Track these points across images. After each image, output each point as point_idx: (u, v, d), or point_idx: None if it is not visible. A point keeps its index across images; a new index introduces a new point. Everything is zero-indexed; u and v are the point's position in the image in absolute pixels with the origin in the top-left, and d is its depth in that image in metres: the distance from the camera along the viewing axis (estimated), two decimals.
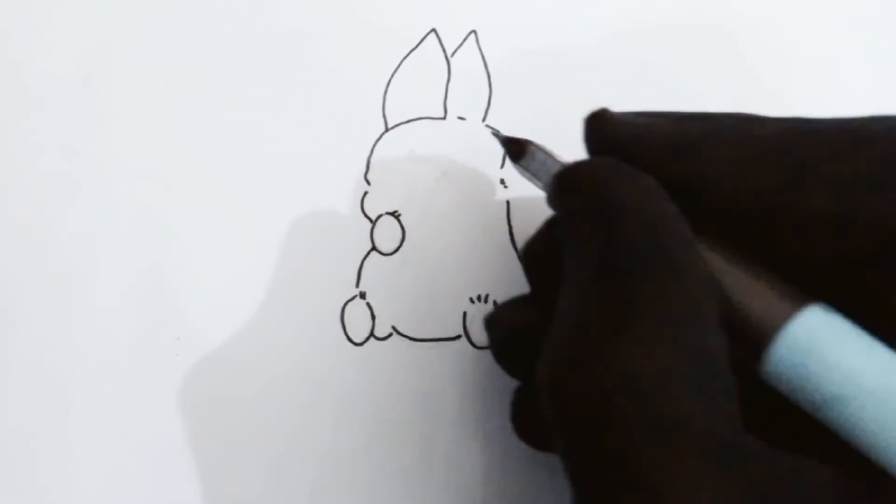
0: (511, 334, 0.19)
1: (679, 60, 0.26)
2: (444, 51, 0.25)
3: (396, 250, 0.24)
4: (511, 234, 0.24)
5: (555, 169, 0.18)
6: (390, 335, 0.24)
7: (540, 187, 0.19)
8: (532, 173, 0.19)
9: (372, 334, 0.24)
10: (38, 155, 0.25)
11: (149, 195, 0.24)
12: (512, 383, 0.23)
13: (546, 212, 0.24)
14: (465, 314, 0.24)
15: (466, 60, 0.25)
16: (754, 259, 0.15)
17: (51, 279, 0.24)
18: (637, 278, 0.14)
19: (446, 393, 0.23)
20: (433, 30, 0.25)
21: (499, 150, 0.25)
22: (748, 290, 0.15)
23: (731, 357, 0.14)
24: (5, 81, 0.25)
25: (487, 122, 0.25)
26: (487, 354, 0.23)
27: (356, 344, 0.24)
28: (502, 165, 0.25)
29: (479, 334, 0.23)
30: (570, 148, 0.25)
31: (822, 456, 0.13)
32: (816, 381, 0.13)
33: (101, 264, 0.24)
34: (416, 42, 0.25)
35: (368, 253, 0.24)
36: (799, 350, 0.14)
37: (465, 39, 0.25)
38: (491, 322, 0.20)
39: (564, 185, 0.16)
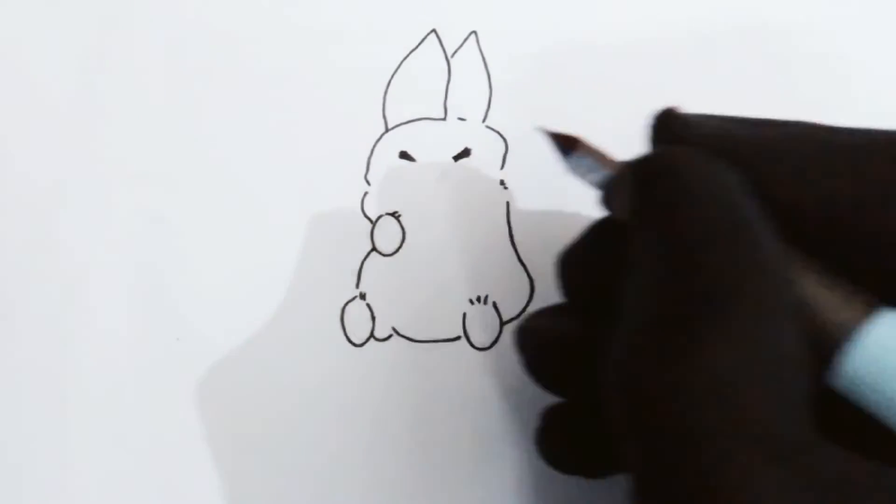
0: (550, 344, 0.18)
1: (682, 61, 0.26)
2: (444, 51, 0.25)
3: (396, 251, 0.24)
4: (511, 234, 0.24)
5: (606, 165, 0.18)
6: (390, 336, 0.24)
7: (591, 184, 0.18)
8: (583, 171, 0.19)
9: (372, 335, 0.24)
10: (38, 154, 0.25)
11: (149, 196, 0.24)
12: (512, 386, 0.23)
13: (547, 212, 0.24)
14: (464, 315, 0.24)
15: (467, 61, 0.25)
16: (825, 266, 0.15)
17: (50, 279, 0.24)
18: (717, 275, 0.13)
19: (446, 394, 0.23)
20: (433, 30, 0.25)
21: (499, 150, 0.25)
22: (819, 295, 0.14)
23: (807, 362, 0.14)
24: (5, 81, 0.25)
25: (487, 122, 0.25)
26: (487, 355, 0.23)
27: (356, 345, 0.24)
28: (502, 166, 0.25)
29: (479, 335, 0.23)
30: None
31: None
32: (891, 389, 0.13)
33: (100, 264, 0.24)
34: (417, 43, 0.25)
35: (368, 254, 0.24)
36: (871, 357, 0.13)
37: (465, 40, 0.25)
38: (524, 333, 0.19)
39: (642, 174, 0.15)
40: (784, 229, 0.14)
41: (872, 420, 0.14)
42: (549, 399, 0.19)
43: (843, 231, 0.14)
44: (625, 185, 0.16)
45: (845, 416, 0.14)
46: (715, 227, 0.14)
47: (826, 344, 0.14)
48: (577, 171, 0.19)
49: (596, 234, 0.18)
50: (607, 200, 0.18)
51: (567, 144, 0.19)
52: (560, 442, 0.19)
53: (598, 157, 0.18)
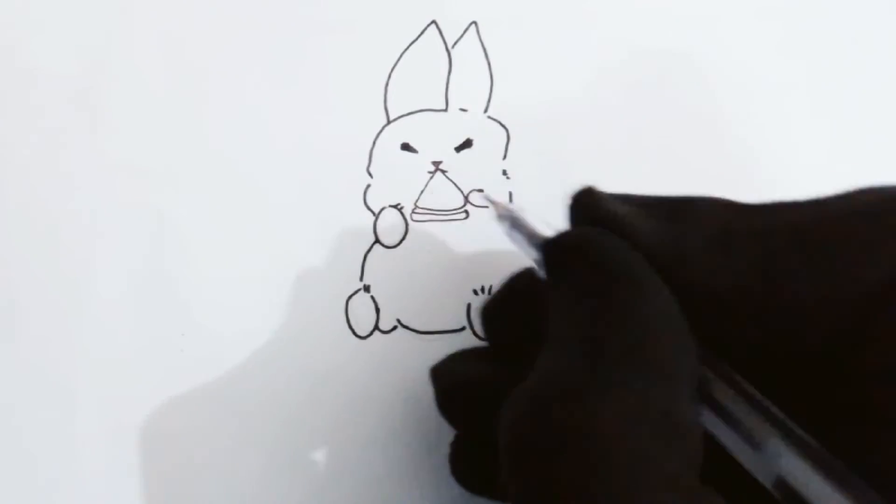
0: (458, 386, 0.20)
1: (682, 48, 0.26)
2: (444, 42, 0.25)
3: (399, 243, 0.24)
4: None
5: (535, 237, 0.19)
6: (395, 328, 0.24)
7: (525, 250, 0.19)
8: (519, 237, 0.20)
9: (376, 327, 0.24)
10: (39, 153, 0.25)
11: (151, 191, 0.24)
12: None
13: (549, 202, 0.24)
14: (468, 306, 0.24)
15: (467, 52, 0.25)
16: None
17: (54, 276, 0.24)
18: (619, 341, 0.14)
19: None
20: (433, 21, 0.25)
21: (501, 140, 0.25)
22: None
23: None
24: (5, 80, 0.25)
25: (489, 113, 0.25)
26: None
27: (361, 337, 0.24)
28: (504, 156, 0.25)
29: None
30: (572, 138, 0.25)
31: None
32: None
33: (104, 261, 0.24)
34: (417, 34, 0.25)
35: (372, 246, 0.24)
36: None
37: (465, 31, 0.25)
38: (437, 372, 0.21)
39: (561, 250, 0.17)
40: (691, 311, 0.15)
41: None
42: None
43: (747, 310, 0.15)
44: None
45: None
46: (625, 301, 0.15)
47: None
48: (513, 235, 0.20)
49: (510, 291, 0.20)
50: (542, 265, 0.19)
51: (503, 212, 0.20)
52: (463, 468, 0.21)
53: (528, 232, 0.19)
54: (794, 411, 0.14)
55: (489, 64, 0.25)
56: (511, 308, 0.20)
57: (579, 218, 0.18)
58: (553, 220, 0.22)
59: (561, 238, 0.17)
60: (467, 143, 0.25)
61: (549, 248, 0.17)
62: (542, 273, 0.18)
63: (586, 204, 0.17)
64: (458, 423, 0.21)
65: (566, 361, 0.14)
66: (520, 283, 0.20)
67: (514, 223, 0.20)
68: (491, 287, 0.24)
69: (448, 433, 0.23)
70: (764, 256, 0.15)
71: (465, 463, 0.21)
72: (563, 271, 0.16)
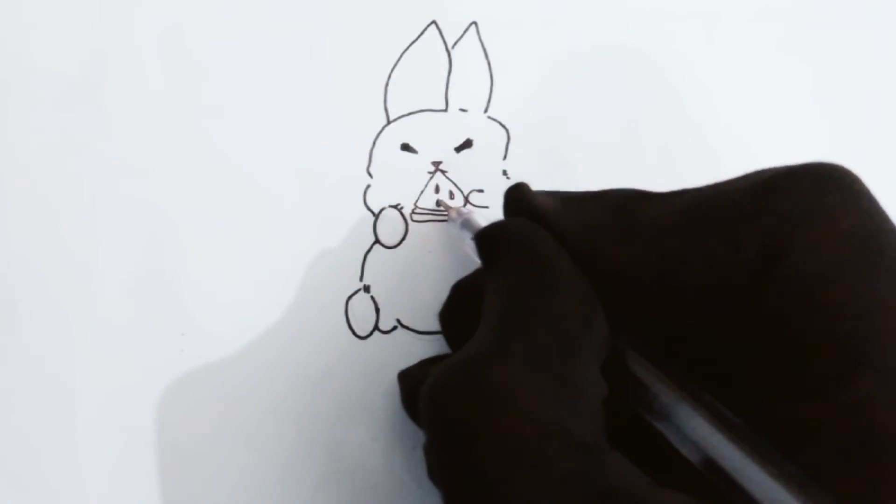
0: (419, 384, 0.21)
1: (683, 47, 0.26)
2: (444, 43, 0.25)
3: (400, 243, 0.24)
4: None
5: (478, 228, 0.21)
6: (395, 328, 0.24)
7: (467, 244, 0.21)
8: (460, 231, 0.22)
9: (376, 327, 0.24)
10: (40, 152, 0.25)
11: (151, 190, 0.24)
12: None
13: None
14: None
15: (467, 52, 0.25)
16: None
17: (54, 276, 0.24)
18: (522, 315, 0.15)
19: None
20: (433, 22, 0.25)
21: (501, 141, 0.25)
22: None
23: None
24: (5, 80, 0.25)
25: (489, 113, 0.25)
26: None
27: (361, 337, 0.24)
28: (505, 157, 0.25)
29: None
30: (572, 136, 0.25)
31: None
32: None
33: (104, 260, 0.24)
34: (417, 34, 0.25)
35: (372, 246, 0.24)
36: None
37: (465, 31, 0.25)
38: (402, 375, 0.22)
39: (492, 237, 0.18)
40: (603, 289, 0.17)
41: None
42: None
43: (654, 290, 0.16)
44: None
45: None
46: (530, 283, 0.16)
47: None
48: (454, 230, 0.23)
49: (458, 294, 0.22)
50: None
51: (447, 210, 0.23)
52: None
53: (475, 220, 0.22)
54: (717, 388, 0.15)
55: (489, 64, 0.25)
56: (461, 309, 0.21)
57: (509, 210, 0.20)
58: None
59: (486, 228, 0.19)
60: (467, 144, 0.25)
61: (478, 239, 0.19)
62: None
63: (515, 198, 0.19)
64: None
65: (480, 338, 0.16)
66: (466, 284, 0.22)
67: (465, 224, 0.22)
68: None
69: None
70: (654, 241, 0.16)
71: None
72: (489, 257, 0.18)
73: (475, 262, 0.20)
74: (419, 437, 0.23)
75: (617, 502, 0.13)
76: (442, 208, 0.24)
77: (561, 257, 0.17)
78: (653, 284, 0.16)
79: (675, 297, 0.16)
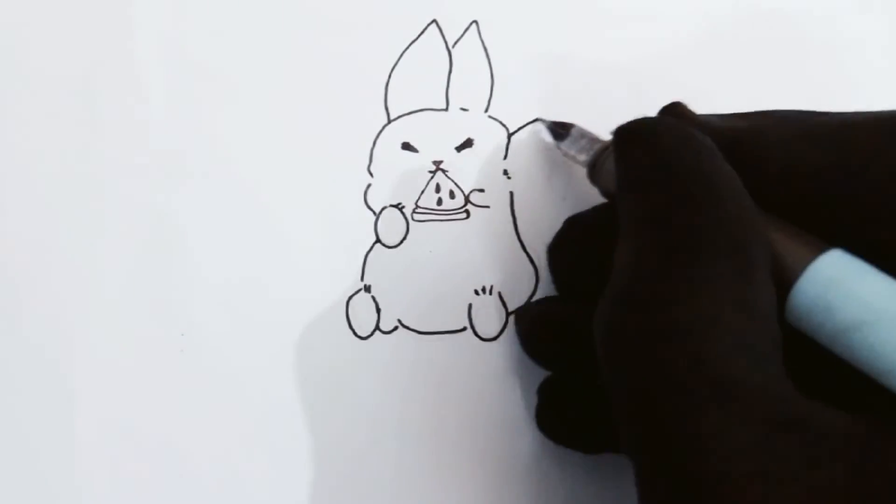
0: (542, 323, 0.20)
1: (684, 47, 0.26)
2: (445, 42, 0.25)
3: (400, 243, 0.24)
4: (515, 224, 0.24)
5: (597, 145, 0.20)
6: (396, 328, 0.24)
7: (581, 163, 0.21)
8: (575, 152, 0.21)
9: (377, 328, 0.24)
10: (40, 151, 0.25)
11: (151, 189, 0.24)
12: (518, 377, 0.23)
13: (551, 201, 0.24)
14: (470, 306, 0.24)
15: (468, 51, 0.25)
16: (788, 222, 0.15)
17: (54, 276, 0.24)
18: (691, 229, 0.14)
19: (452, 386, 0.23)
20: (434, 21, 0.25)
21: (502, 140, 0.25)
22: (780, 242, 0.15)
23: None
24: (5, 80, 0.25)
25: (490, 112, 0.25)
26: (494, 346, 0.23)
27: (361, 338, 0.24)
28: (505, 156, 0.25)
29: (485, 326, 0.23)
30: None
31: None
32: (836, 311, 0.14)
33: (104, 260, 0.24)
34: (418, 33, 0.25)
35: (373, 246, 0.24)
36: (820, 285, 0.14)
37: (466, 30, 0.25)
38: (519, 314, 0.22)
39: (625, 138, 0.16)
40: (770, 200, 0.15)
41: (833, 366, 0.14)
42: None
43: (829, 201, 0.15)
44: (608, 155, 0.19)
45: (804, 355, 0.14)
46: (691, 187, 0.15)
47: (783, 282, 0.15)
48: (570, 153, 0.22)
49: (571, 228, 0.20)
50: (593, 174, 0.20)
51: (562, 129, 0.22)
52: (551, 414, 0.21)
53: (589, 137, 0.21)
54: None
55: (490, 63, 0.25)
56: (574, 243, 0.20)
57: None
58: (556, 220, 0.22)
59: (632, 122, 0.17)
60: (468, 143, 0.25)
61: (619, 131, 0.17)
62: (594, 182, 0.20)
63: (671, 112, 0.18)
64: (546, 361, 0.21)
65: (642, 259, 0.14)
66: (581, 218, 0.20)
67: (576, 136, 0.21)
68: (492, 287, 0.24)
69: (449, 433, 0.23)
70: (843, 148, 0.15)
71: (553, 409, 0.21)
72: (628, 153, 0.16)
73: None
74: (418, 437, 0.23)
75: (807, 430, 0.13)
76: (554, 126, 0.23)
77: (722, 164, 0.15)
78: (831, 197, 0.15)
79: (855, 210, 0.15)
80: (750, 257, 0.14)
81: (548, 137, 0.23)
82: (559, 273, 0.21)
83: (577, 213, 0.21)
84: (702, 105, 0.26)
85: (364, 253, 0.24)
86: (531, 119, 0.25)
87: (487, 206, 0.24)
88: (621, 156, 0.17)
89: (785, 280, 0.15)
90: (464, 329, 0.23)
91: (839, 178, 0.15)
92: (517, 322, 0.22)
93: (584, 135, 0.21)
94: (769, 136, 0.16)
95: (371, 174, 0.24)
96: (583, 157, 0.21)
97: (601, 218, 0.20)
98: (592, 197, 0.24)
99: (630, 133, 0.16)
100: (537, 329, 0.21)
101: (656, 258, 0.14)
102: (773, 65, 0.26)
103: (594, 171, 0.20)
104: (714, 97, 0.26)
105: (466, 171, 0.24)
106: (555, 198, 0.24)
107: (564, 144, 0.22)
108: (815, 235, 0.15)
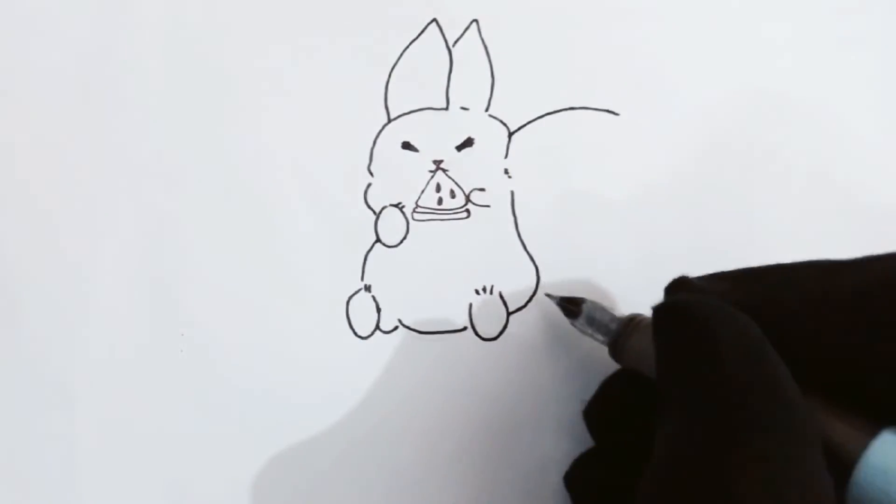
0: (592, 491, 0.20)
1: (680, 56, 0.26)
2: (445, 41, 0.25)
3: (401, 242, 0.24)
4: (516, 224, 0.24)
5: (613, 322, 0.20)
6: (396, 328, 0.24)
7: (600, 341, 0.20)
8: (592, 331, 0.21)
9: (377, 327, 0.24)
10: (40, 152, 0.25)
11: (152, 190, 0.24)
12: (519, 376, 0.23)
13: (551, 200, 0.24)
14: (470, 306, 0.23)
15: (468, 50, 0.25)
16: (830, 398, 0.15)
17: (54, 276, 0.24)
18: (744, 408, 0.14)
19: (453, 385, 0.23)
20: (434, 20, 0.25)
21: (502, 139, 0.25)
22: (830, 423, 0.15)
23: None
24: (5, 80, 0.25)
25: (490, 111, 0.25)
26: (494, 346, 0.23)
27: (362, 337, 0.23)
28: (506, 155, 0.25)
29: (486, 326, 0.23)
30: (571, 136, 0.25)
31: None
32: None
33: (104, 261, 0.24)
34: (418, 32, 0.25)
35: (373, 245, 0.24)
36: (877, 473, 0.14)
37: (466, 29, 0.25)
38: (569, 481, 0.21)
39: (667, 319, 0.16)
40: (797, 371, 0.15)
41: None
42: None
43: (852, 371, 0.15)
44: (632, 331, 0.19)
45: None
46: (739, 367, 0.14)
47: (838, 467, 0.14)
48: (587, 332, 0.21)
49: (608, 389, 0.20)
50: (615, 352, 0.20)
51: (573, 305, 0.21)
52: None
53: (603, 313, 0.20)
54: None
55: (490, 62, 0.25)
56: (613, 407, 0.20)
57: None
58: (556, 219, 0.22)
59: (671, 301, 0.17)
60: (468, 142, 0.25)
61: (659, 311, 0.17)
62: (618, 360, 0.19)
63: (680, 287, 0.18)
64: None
65: (688, 432, 0.14)
66: (614, 382, 0.20)
67: (589, 314, 0.21)
68: (492, 287, 0.24)
69: (449, 433, 0.23)
70: (863, 314, 0.15)
71: None
72: (672, 334, 0.16)
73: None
74: (418, 437, 0.23)
75: None
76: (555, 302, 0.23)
77: (759, 337, 0.15)
78: (858, 363, 0.15)
79: (884, 375, 0.15)
80: (806, 437, 0.14)
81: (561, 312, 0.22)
82: (597, 433, 0.21)
83: (609, 376, 0.21)
84: (703, 105, 0.26)
85: (364, 252, 0.24)
86: (532, 118, 0.25)
87: (488, 206, 0.24)
88: (664, 340, 0.16)
89: (840, 463, 0.14)
90: (464, 329, 0.23)
91: (865, 343, 0.15)
92: (571, 490, 0.21)
93: (597, 309, 0.21)
94: (789, 307, 0.16)
95: (371, 174, 0.24)
96: (601, 337, 0.20)
97: (634, 382, 0.20)
98: (593, 197, 0.24)
99: (673, 314, 0.16)
100: (593, 497, 0.20)
101: (705, 437, 0.14)
102: (773, 66, 0.26)
103: (616, 349, 0.20)
104: (713, 96, 0.26)
105: (467, 171, 0.24)
106: (556, 197, 0.24)
107: (579, 323, 0.21)
108: (850, 404, 0.15)
